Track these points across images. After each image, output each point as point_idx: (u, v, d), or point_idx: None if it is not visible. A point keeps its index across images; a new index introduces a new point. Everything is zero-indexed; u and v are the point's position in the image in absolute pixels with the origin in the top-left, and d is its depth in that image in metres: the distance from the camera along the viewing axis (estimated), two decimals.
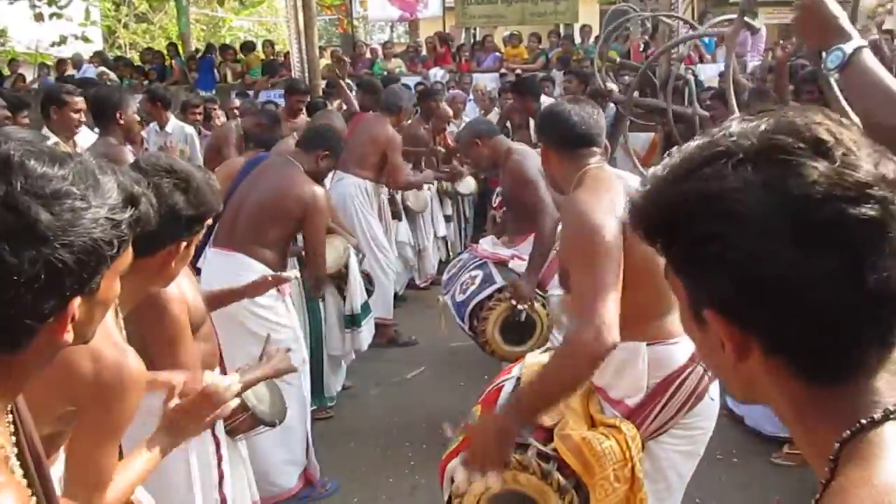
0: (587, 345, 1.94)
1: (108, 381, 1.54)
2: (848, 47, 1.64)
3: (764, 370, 0.78)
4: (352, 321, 4.53)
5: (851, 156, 0.73)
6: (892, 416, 0.74)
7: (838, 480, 0.73)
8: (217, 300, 2.85)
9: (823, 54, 1.70)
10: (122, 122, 4.27)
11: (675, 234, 0.80)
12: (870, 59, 1.64)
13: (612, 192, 2.21)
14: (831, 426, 0.76)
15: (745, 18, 5.62)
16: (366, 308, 4.62)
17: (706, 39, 10.98)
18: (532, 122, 6.11)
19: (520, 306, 3.69)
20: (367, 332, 4.69)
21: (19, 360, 0.97)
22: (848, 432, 0.74)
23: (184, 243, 1.89)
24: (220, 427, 2.40)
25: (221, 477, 2.37)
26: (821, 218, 0.71)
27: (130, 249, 1.07)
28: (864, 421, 0.74)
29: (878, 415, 0.74)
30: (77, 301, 0.97)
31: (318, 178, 3.88)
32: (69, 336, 0.99)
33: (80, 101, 4.47)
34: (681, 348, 2.17)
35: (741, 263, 0.74)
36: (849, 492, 0.71)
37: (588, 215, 2.11)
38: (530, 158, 4.06)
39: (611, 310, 1.97)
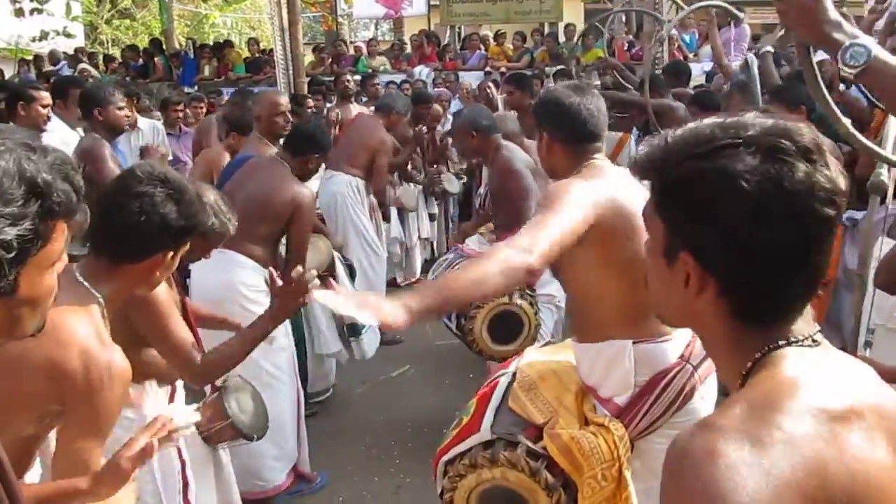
0: (508, 256, 1.86)
1: (96, 378, 1.58)
2: (869, 44, 1.51)
3: (713, 307, 1.01)
4: (353, 330, 4.47)
5: (827, 167, 0.95)
6: (792, 343, 0.98)
7: (748, 382, 0.97)
8: (200, 321, 2.80)
9: (814, 50, 1.64)
10: (101, 118, 4.28)
11: (682, 190, 0.99)
12: (882, 51, 1.53)
13: (602, 179, 2.19)
14: (752, 356, 0.99)
15: (726, 4, 5.64)
16: None
17: (687, 38, 11.03)
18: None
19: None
20: (368, 340, 4.65)
21: None
22: (758, 354, 0.99)
23: (170, 253, 1.88)
24: (185, 450, 2.39)
25: None
26: (797, 208, 0.93)
27: (61, 239, 0.99)
28: (771, 346, 0.98)
29: (782, 342, 0.98)
30: None
31: (306, 178, 3.88)
32: None
33: (46, 97, 4.46)
34: (669, 346, 2.15)
35: (731, 227, 0.94)
36: (754, 385, 0.96)
37: (562, 185, 2.13)
38: (518, 155, 4.13)
39: (541, 241, 1.90)
